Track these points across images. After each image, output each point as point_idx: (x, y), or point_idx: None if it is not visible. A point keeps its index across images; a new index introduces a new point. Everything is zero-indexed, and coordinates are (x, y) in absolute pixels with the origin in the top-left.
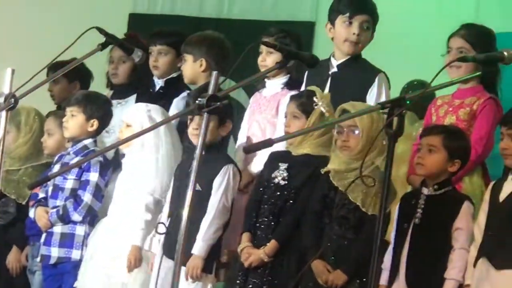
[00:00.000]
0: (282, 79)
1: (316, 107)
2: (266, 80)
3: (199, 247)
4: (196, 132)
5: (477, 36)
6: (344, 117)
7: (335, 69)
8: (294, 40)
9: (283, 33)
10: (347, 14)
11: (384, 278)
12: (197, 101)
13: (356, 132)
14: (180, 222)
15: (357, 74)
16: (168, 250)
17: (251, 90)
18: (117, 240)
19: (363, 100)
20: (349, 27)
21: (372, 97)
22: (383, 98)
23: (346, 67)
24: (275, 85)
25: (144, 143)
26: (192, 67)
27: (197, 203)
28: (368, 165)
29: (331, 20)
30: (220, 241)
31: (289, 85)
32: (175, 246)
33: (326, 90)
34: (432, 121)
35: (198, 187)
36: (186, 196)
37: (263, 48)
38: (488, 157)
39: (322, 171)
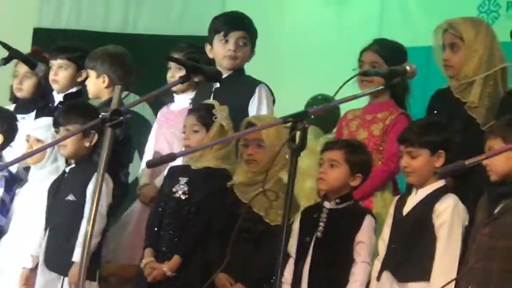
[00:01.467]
0: (190, 94)
1: (215, 120)
2: (174, 94)
3: (79, 254)
4: (62, 143)
5: (390, 51)
6: (248, 130)
7: (217, 85)
8: (204, 55)
9: (193, 48)
10: (222, 32)
11: None
12: (100, 116)
13: (262, 145)
14: (57, 235)
15: (238, 87)
16: (48, 261)
17: (157, 105)
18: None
19: (245, 112)
20: (226, 44)
21: (253, 109)
22: (263, 109)
23: (227, 82)
24: (183, 100)
25: (50, 157)
26: (95, 83)
27: (74, 213)
28: (273, 178)
29: (210, 41)
30: (100, 248)
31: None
32: (55, 258)
33: None
34: (344, 135)
35: (72, 198)
36: (60, 208)
37: (171, 64)
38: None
39: (228, 184)
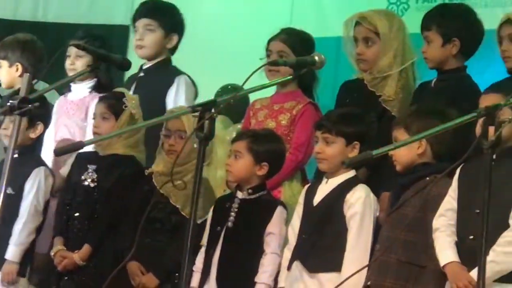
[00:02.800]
0: (90, 83)
1: (125, 108)
2: (71, 84)
3: (13, 252)
4: (5, 133)
5: (297, 40)
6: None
7: (142, 74)
8: (103, 43)
9: (92, 37)
10: (133, 24)
11: (195, 280)
12: (8, 103)
13: (184, 137)
14: None
15: (159, 77)
16: None
17: (62, 93)
18: None
19: (163, 102)
20: (136, 33)
21: (170, 99)
22: (181, 99)
23: (151, 71)
24: (82, 89)
25: None
26: (8, 72)
27: (10, 207)
28: (190, 169)
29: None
30: (34, 245)
31: (97, 89)
32: None
33: (131, 92)
34: (251, 125)
35: (10, 191)
36: None
37: (71, 52)
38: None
39: (146, 172)
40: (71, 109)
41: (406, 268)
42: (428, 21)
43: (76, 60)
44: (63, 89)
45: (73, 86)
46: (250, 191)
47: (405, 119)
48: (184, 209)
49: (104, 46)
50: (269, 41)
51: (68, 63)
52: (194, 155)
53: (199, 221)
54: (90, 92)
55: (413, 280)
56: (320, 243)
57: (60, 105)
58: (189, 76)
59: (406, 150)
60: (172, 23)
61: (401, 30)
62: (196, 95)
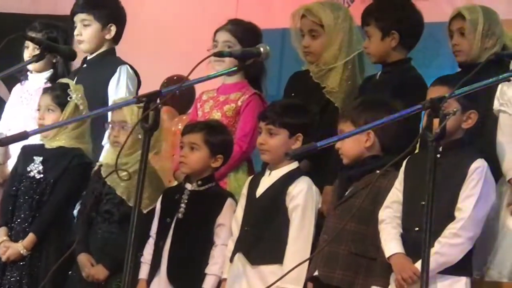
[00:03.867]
0: (46, 73)
1: (70, 99)
2: (29, 73)
3: None
4: None
5: (243, 31)
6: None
7: (85, 65)
8: (62, 34)
9: (51, 28)
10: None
11: (144, 272)
12: None
13: (127, 127)
14: None
15: (101, 68)
16: None
17: (12, 84)
18: None
19: (105, 92)
20: (76, 28)
21: (112, 89)
22: (122, 89)
23: (93, 63)
24: (38, 79)
25: None
26: None
27: None
28: (135, 160)
29: None
30: None
31: (53, 80)
32: None
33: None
34: (198, 117)
35: None
36: None
37: (29, 43)
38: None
39: (96, 165)
40: (26, 98)
41: (356, 260)
42: (367, 16)
43: (33, 52)
44: (21, 78)
45: (30, 75)
46: (199, 182)
47: (351, 112)
48: (130, 199)
49: (65, 37)
50: (216, 32)
51: (26, 55)
52: (139, 146)
53: (145, 211)
54: (46, 82)
55: (363, 271)
56: (263, 235)
57: (16, 93)
58: (131, 66)
59: (354, 143)
60: (107, 14)
61: (346, 22)
62: (138, 85)
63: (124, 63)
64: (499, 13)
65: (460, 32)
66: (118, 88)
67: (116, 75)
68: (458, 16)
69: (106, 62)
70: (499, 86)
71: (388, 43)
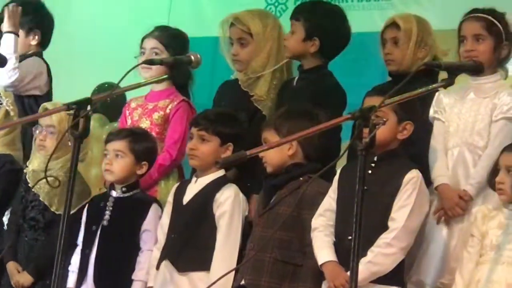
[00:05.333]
0: None
1: (0, 106)
2: None
3: None
4: None
5: (171, 38)
6: (30, 117)
7: None
8: None
9: None
10: None
11: (71, 280)
12: None
13: (54, 132)
14: None
15: None
16: None
17: None
18: None
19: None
20: None
21: None
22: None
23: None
24: None
25: None
26: None
27: None
28: (65, 165)
29: None
30: None
31: None
32: None
33: None
34: (127, 124)
35: None
36: None
37: None
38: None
39: (25, 171)
40: None
41: (281, 267)
42: (299, 12)
43: None
44: None
45: None
46: (124, 189)
47: (275, 121)
48: (52, 205)
49: None
50: (143, 38)
51: None
52: (64, 151)
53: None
54: None
55: (289, 278)
56: (190, 242)
57: None
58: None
59: (277, 152)
60: (30, 21)
61: (275, 30)
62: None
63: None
64: (432, 24)
65: (394, 41)
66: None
67: None
68: (393, 25)
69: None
70: (436, 94)
71: (308, 46)
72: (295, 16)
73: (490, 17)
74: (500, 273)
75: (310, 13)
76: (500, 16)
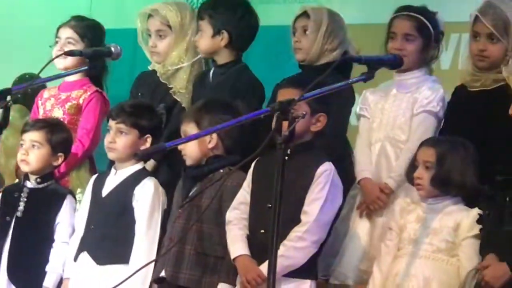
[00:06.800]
0: None
1: None
2: None
3: None
4: None
5: (86, 29)
6: None
7: None
8: None
9: None
10: None
11: None
12: None
13: None
14: None
15: None
16: None
17: None
18: None
19: None
20: None
21: None
22: None
23: None
24: None
25: None
26: None
27: None
28: None
29: None
30: None
31: None
32: None
33: None
34: (39, 114)
35: None
36: None
37: None
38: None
39: None
40: None
41: (202, 259)
42: (202, 11)
43: None
44: None
45: None
46: (38, 180)
47: (195, 114)
48: None
49: None
50: (59, 28)
51: None
52: None
53: None
54: None
55: (210, 270)
56: (109, 235)
57: None
58: None
59: (197, 144)
60: None
61: (193, 23)
62: None
63: None
64: (350, 19)
65: (303, 30)
66: None
67: None
68: (304, 14)
69: None
70: (363, 92)
71: (218, 41)
72: (199, 15)
73: (422, 18)
74: (418, 267)
75: (213, 9)
76: (431, 16)
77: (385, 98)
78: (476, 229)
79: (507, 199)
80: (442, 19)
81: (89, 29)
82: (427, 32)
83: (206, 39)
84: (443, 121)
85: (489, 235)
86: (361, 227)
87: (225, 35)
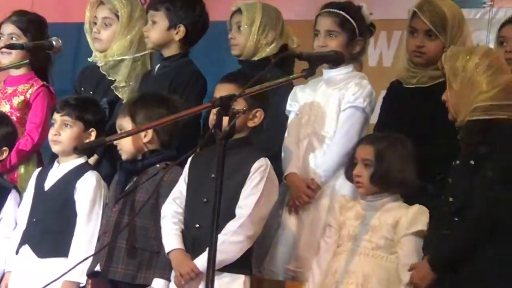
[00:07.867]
0: None
1: None
2: None
3: None
4: None
5: (28, 23)
6: None
7: None
8: None
9: None
10: None
11: None
12: None
13: None
14: None
15: None
16: None
17: None
18: None
19: None
20: None
21: None
22: None
23: None
24: None
25: None
26: None
27: None
28: None
29: None
30: None
31: None
32: None
33: None
34: None
35: None
36: None
37: None
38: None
39: None
40: None
41: (138, 254)
42: (157, 3)
43: None
44: None
45: None
46: None
47: (129, 108)
48: None
49: None
50: (1, 24)
51: None
52: None
53: None
54: None
55: (146, 265)
56: (50, 228)
57: None
58: None
59: (132, 139)
60: None
61: (142, 19)
62: None
63: None
64: (297, 14)
65: (238, 26)
66: None
67: None
68: (238, 11)
69: None
70: (293, 89)
71: (172, 35)
72: (154, 7)
73: (343, 13)
74: (357, 264)
75: (170, 2)
76: (355, 11)
77: (314, 94)
78: (415, 226)
79: (449, 199)
80: (367, 13)
81: (31, 24)
82: (350, 27)
83: (160, 31)
84: (378, 116)
85: (430, 235)
86: (289, 223)
87: (181, 29)
